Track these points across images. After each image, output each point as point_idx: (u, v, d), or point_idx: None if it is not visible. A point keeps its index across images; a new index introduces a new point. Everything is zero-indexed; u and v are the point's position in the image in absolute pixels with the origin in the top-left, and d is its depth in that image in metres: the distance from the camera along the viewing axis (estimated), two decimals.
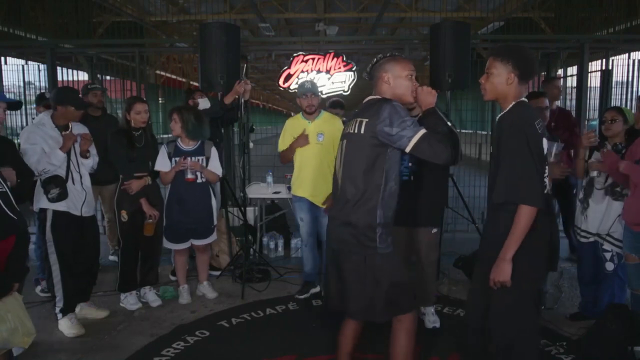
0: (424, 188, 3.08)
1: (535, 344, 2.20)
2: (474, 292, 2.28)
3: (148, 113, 3.57)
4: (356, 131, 2.14)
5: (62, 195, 3.07)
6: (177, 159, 3.57)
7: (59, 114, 3.15)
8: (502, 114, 2.09)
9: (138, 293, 3.73)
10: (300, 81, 5.09)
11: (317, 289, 3.86)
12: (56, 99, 3.19)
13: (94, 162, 3.36)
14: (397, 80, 2.18)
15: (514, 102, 2.06)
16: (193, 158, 3.59)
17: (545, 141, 2.03)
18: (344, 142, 2.24)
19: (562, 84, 4.83)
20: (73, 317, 3.25)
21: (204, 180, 3.66)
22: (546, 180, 2.04)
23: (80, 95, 3.33)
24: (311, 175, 3.69)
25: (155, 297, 3.74)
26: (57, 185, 3.05)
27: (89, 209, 3.28)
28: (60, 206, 3.10)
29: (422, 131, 2.06)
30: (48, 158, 3.01)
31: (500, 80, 2.05)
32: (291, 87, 5.18)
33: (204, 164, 3.64)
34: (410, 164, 3.06)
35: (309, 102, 3.67)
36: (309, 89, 3.68)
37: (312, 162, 3.68)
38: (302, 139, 3.69)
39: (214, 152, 3.69)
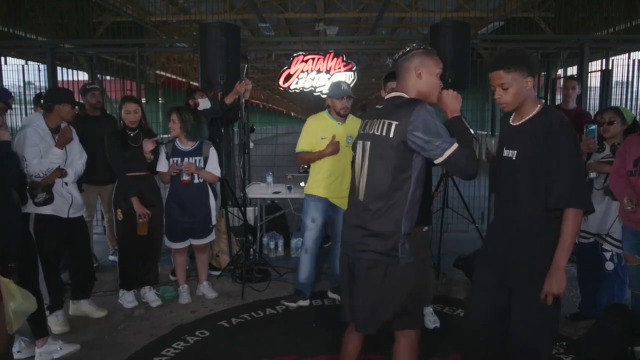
0: None
1: (552, 344, 2.18)
2: (481, 294, 2.23)
3: (139, 112, 3.57)
4: (384, 133, 1.96)
5: (49, 200, 3.09)
6: (175, 159, 3.59)
7: (55, 114, 3.14)
8: (528, 117, 2.02)
9: (137, 292, 3.74)
10: (306, 81, 5.04)
11: (307, 302, 3.69)
12: (52, 98, 3.19)
13: (80, 166, 3.32)
14: (429, 77, 2.03)
15: (540, 106, 2.03)
16: (191, 159, 3.60)
17: None
18: (367, 144, 2.05)
19: (562, 83, 4.82)
20: (60, 314, 3.27)
21: (201, 180, 3.65)
22: None
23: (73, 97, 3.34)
24: (337, 177, 3.56)
25: (155, 297, 3.75)
26: (44, 190, 3.06)
27: (76, 210, 3.29)
28: (46, 210, 3.10)
29: (456, 144, 1.92)
30: (48, 158, 3.04)
31: (521, 89, 1.99)
32: (291, 87, 5.18)
33: (202, 165, 3.63)
34: None
35: (345, 105, 3.57)
36: (346, 91, 3.56)
37: (339, 163, 3.53)
38: (333, 147, 3.51)
39: (212, 153, 3.68)
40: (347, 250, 2.13)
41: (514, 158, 2.04)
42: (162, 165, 3.62)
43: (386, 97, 2.14)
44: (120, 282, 3.70)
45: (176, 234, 3.72)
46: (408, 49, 2.07)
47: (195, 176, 3.63)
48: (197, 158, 3.63)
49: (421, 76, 2.03)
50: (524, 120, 2.04)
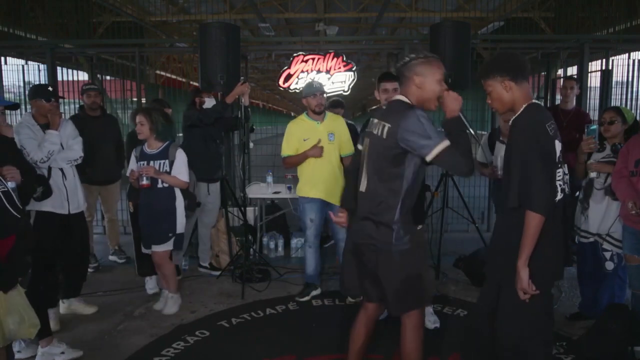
0: None
1: (546, 352, 2.15)
2: (483, 295, 2.32)
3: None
4: (379, 134, 2.17)
5: (46, 193, 3.08)
6: (141, 162, 3.47)
7: (34, 110, 3.23)
8: (514, 117, 2.10)
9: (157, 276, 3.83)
10: (305, 81, 5.09)
11: (318, 291, 3.86)
12: (28, 95, 3.35)
13: (73, 153, 3.30)
14: (427, 85, 2.17)
15: (525, 105, 2.08)
16: (155, 162, 3.45)
17: (557, 143, 2.02)
18: (368, 141, 2.26)
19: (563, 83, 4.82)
20: (52, 312, 3.24)
21: (166, 185, 3.46)
22: (559, 183, 2.03)
23: (50, 89, 3.32)
24: (325, 176, 3.65)
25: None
26: (41, 183, 3.06)
27: (75, 205, 3.27)
28: (45, 206, 3.10)
29: (446, 142, 2.06)
30: (47, 141, 3.09)
31: (500, 93, 2.09)
32: (291, 87, 5.19)
33: (167, 168, 3.45)
34: None
35: (318, 102, 3.65)
36: (317, 88, 3.66)
37: (325, 162, 3.65)
38: (317, 150, 3.61)
39: (179, 156, 3.48)
40: (352, 236, 2.33)
41: (503, 155, 2.19)
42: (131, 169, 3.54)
43: (391, 100, 2.31)
44: (138, 271, 3.87)
45: (143, 239, 3.59)
46: (408, 59, 2.19)
47: (159, 181, 3.45)
48: (162, 161, 3.46)
49: (420, 85, 2.17)
50: (512, 119, 2.13)
